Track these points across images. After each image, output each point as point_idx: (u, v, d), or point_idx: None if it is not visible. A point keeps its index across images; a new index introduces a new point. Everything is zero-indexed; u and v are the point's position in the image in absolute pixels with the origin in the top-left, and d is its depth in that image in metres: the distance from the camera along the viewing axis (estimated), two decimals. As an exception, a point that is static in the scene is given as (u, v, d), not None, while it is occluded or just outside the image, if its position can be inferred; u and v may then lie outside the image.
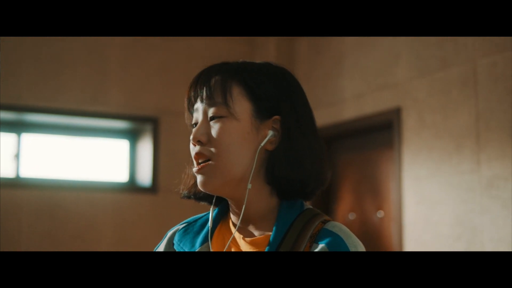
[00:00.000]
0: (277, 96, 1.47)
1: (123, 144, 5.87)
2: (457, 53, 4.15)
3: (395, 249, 4.58)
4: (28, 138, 5.47)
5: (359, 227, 5.03)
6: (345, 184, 5.37)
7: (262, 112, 1.46)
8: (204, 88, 1.46)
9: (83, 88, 5.40)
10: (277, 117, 1.46)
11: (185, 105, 1.52)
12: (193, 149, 1.46)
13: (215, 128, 1.43)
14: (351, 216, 5.17)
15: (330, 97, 5.34)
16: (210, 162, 1.43)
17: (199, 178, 1.45)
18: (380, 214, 4.94)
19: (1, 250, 4.99)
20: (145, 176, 5.67)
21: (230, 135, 1.43)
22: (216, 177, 1.43)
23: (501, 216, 3.78)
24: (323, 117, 5.36)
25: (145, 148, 5.72)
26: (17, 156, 5.35)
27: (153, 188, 5.56)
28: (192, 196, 1.56)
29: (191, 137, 1.45)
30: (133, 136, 5.88)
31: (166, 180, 5.55)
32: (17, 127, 5.42)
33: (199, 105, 1.47)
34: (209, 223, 1.52)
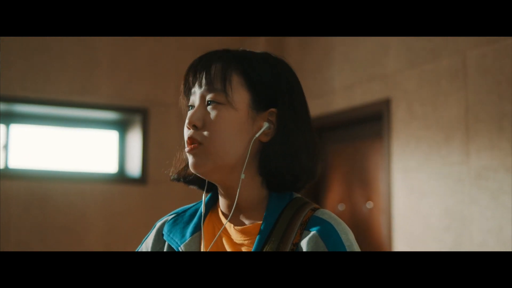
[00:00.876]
0: (275, 88, 1.48)
1: (113, 135, 5.86)
2: (446, 44, 4.16)
3: (384, 239, 4.59)
4: (18, 129, 5.46)
5: (349, 218, 5.04)
6: (335, 175, 5.38)
7: (260, 103, 1.46)
8: (204, 73, 1.46)
9: (72, 78, 5.38)
10: (273, 109, 1.47)
11: (181, 88, 1.52)
12: (187, 132, 1.46)
13: (211, 114, 1.43)
14: (341, 207, 5.18)
15: (320, 88, 5.35)
16: (200, 145, 1.43)
17: (190, 159, 1.45)
18: (370, 205, 4.95)
19: (-10, 241, 4.99)
20: (134, 167, 5.66)
21: (225, 122, 1.43)
22: (207, 160, 1.43)
23: (490, 207, 3.80)
24: (312, 108, 5.34)
25: (135, 139, 5.71)
26: (6, 147, 5.33)
27: (143, 179, 5.56)
28: (182, 179, 1.55)
29: (187, 120, 1.45)
30: (122, 127, 5.87)
31: (156, 171, 5.55)
32: (6, 118, 5.40)
33: (196, 89, 1.47)
34: (202, 208, 1.53)
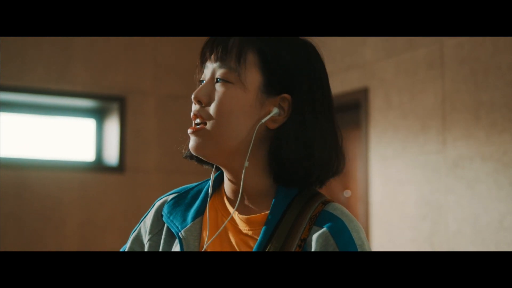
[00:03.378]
0: (294, 73, 1.39)
1: (90, 123, 5.82)
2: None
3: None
4: (-7, 116, 5.41)
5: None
6: (312, 164, 5.39)
7: (272, 87, 1.38)
8: (221, 48, 1.38)
9: (48, 66, 5.34)
10: (286, 95, 1.38)
11: (198, 59, 1.44)
12: (193, 108, 1.40)
13: (218, 91, 1.37)
14: (318, 196, 5.19)
15: (298, 77, 5.35)
16: (205, 126, 1.36)
17: (191, 140, 1.38)
18: (347, 193, 4.97)
19: (-34, 230, 4.95)
20: (111, 156, 5.64)
21: (232, 103, 1.36)
22: (208, 143, 1.36)
23: (465, 196, 3.83)
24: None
25: (112, 127, 5.68)
26: (-19, 135, 5.28)
27: (120, 168, 5.54)
28: (194, 158, 1.46)
29: (193, 95, 1.39)
30: (99, 115, 5.84)
31: (133, 160, 5.53)
32: (-18, 106, 5.36)
33: (209, 63, 1.40)
34: (209, 190, 1.46)
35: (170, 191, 1.55)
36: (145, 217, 1.52)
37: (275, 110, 1.37)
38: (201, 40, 1.48)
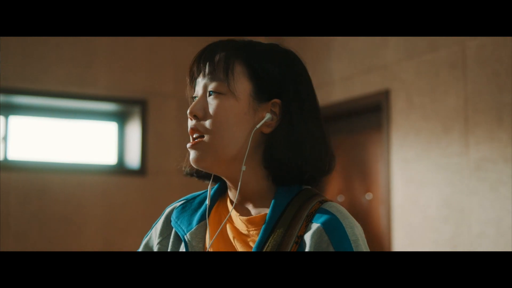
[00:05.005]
0: (280, 79, 1.45)
1: (112, 127, 5.85)
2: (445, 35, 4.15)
3: (384, 231, 4.60)
4: (16, 120, 5.45)
5: (348, 209, 4.98)
6: (334, 166, 5.37)
7: (262, 93, 1.44)
8: (208, 63, 1.45)
9: (70, 70, 5.37)
10: (277, 100, 1.45)
11: (187, 78, 1.51)
12: (190, 123, 1.45)
13: (212, 104, 1.43)
14: (340, 199, 5.18)
15: (319, 79, 5.34)
16: (203, 138, 1.42)
17: (191, 154, 1.45)
18: (369, 196, 4.95)
19: (-11, 233, 4.99)
20: (133, 159, 5.66)
21: (226, 113, 1.42)
22: (208, 154, 1.42)
23: (488, 198, 3.80)
24: (311, 99, 5.36)
25: (134, 130, 5.70)
26: (5, 138, 5.32)
27: (142, 171, 5.56)
28: (194, 174, 1.54)
29: (188, 111, 1.45)
30: (121, 118, 5.87)
31: (155, 162, 5.54)
32: (5, 110, 5.40)
33: (200, 79, 1.46)
34: (207, 201, 1.52)
35: (190, 193, 1.62)
36: (156, 223, 1.61)
37: (267, 116, 1.44)
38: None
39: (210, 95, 1.44)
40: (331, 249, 1.33)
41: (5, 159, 5.29)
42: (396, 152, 4.52)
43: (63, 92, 5.35)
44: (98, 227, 5.37)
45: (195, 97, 1.47)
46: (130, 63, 5.60)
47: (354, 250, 1.34)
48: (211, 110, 1.42)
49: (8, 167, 5.20)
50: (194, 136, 1.44)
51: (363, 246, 1.37)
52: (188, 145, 1.45)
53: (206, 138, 1.42)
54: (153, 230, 1.60)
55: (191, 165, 1.51)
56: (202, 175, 1.54)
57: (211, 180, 1.53)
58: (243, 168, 1.43)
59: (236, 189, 1.46)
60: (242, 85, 1.43)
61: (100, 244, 5.32)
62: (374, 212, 4.86)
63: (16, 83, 5.18)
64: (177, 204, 1.59)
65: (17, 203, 5.12)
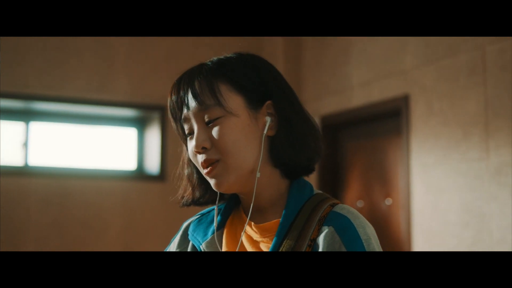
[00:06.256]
0: (262, 82, 1.47)
1: (131, 132, 5.87)
2: (465, 39, 4.13)
3: (404, 236, 4.58)
4: (36, 126, 5.49)
5: (368, 214, 5.02)
6: (353, 172, 5.37)
7: (254, 101, 1.46)
8: (190, 93, 1.45)
9: (90, 76, 5.40)
10: (269, 102, 1.46)
11: (170, 116, 1.51)
12: (199, 157, 1.45)
13: (215, 130, 1.43)
14: (359, 204, 5.16)
15: (338, 84, 5.33)
16: (219, 163, 1.43)
17: (212, 180, 1.45)
18: (388, 201, 4.93)
19: (10, 239, 5.02)
20: (153, 164, 5.68)
21: (233, 132, 1.42)
22: (229, 174, 1.43)
23: (509, 203, 3.78)
24: (330, 104, 5.35)
25: (153, 136, 5.73)
26: (25, 144, 5.36)
27: (161, 176, 5.57)
28: (192, 204, 1.57)
29: (193, 146, 1.45)
30: (141, 124, 5.89)
31: (174, 168, 5.55)
32: (25, 116, 5.43)
33: (188, 113, 1.46)
34: (214, 222, 1.53)
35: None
36: (174, 238, 1.63)
37: (268, 119, 1.46)
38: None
39: (208, 123, 1.44)
40: (343, 249, 1.34)
41: (26, 165, 5.32)
42: (415, 157, 4.50)
43: (83, 99, 5.38)
44: (117, 233, 5.39)
45: (190, 133, 1.48)
46: (150, 69, 5.62)
47: (366, 249, 1.35)
48: (217, 136, 1.42)
49: (29, 173, 5.23)
50: (211, 167, 1.44)
51: (375, 245, 1.38)
52: (205, 171, 1.45)
53: (221, 161, 1.43)
54: (172, 244, 1.62)
55: (187, 195, 1.56)
56: (200, 203, 1.56)
57: (217, 199, 1.54)
58: (258, 174, 1.44)
59: (249, 199, 1.47)
60: (235, 101, 1.44)
61: (120, 249, 5.34)
62: (393, 217, 4.84)
63: (37, 89, 5.22)
64: (193, 218, 1.62)
65: (38, 209, 5.15)
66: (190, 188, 1.57)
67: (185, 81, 1.48)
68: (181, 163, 1.63)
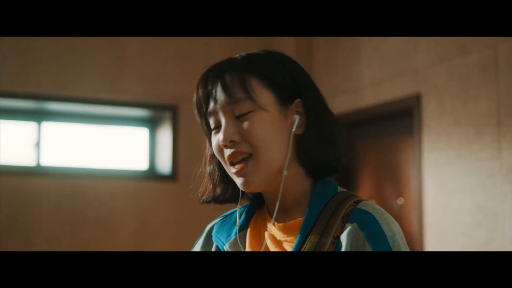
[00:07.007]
0: (292, 79, 1.45)
1: (143, 132, 5.88)
2: (476, 38, 4.11)
3: (416, 235, 4.56)
4: (48, 126, 5.50)
5: (379, 214, 5.00)
6: (365, 171, 5.36)
7: (284, 98, 1.44)
8: (219, 87, 1.42)
9: (101, 76, 5.42)
10: (299, 100, 1.45)
11: (195, 110, 1.48)
12: (226, 151, 1.42)
13: (246, 124, 1.40)
14: (371, 203, 5.15)
15: (349, 84, 5.33)
16: (250, 159, 1.40)
17: (240, 179, 1.42)
18: (400, 201, 4.92)
19: (22, 239, 5.04)
20: (164, 164, 5.68)
21: (264, 127, 1.40)
22: (259, 173, 1.41)
23: (522, 202, 3.76)
24: (342, 104, 5.34)
25: (165, 136, 5.73)
26: (37, 144, 5.38)
27: (173, 176, 5.58)
28: (212, 201, 1.54)
29: (221, 139, 1.41)
30: (152, 124, 5.90)
31: (186, 168, 5.56)
32: (37, 116, 5.45)
33: (216, 107, 1.43)
34: (237, 222, 1.52)
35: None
36: (197, 242, 1.61)
37: (297, 117, 1.44)
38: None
39: (238, 117, 1.41)
40: (367, 245, 1.33)
41: (38, 165, 5.34)
42: (427, 157, 4.49)
43: (94, 99, 5.39)
44: (129, 232, 5.40)
45: (218, 126, 1.44)
46: (161, 69, 5.63)
47: (391, 245, 1.34)
48: (247, 130, 1.40)
49: (41, 173, 5.25)
50: (239, 159, 1.41)
51: (400, 241, 1.36)
52: (233, 170, 1.42)
53: (253, 157, 1.40)
54: (195, 246, 1.60)
55: (208, 192, 1.53)
56: (221, 200, 1.54)
57: (240, 198, 1.53)
58: (285, 172, 1.43)
59: (274, 199, 1.45)
60: (265, 96, 1.42)
61: (132, 249, 5.35)
62: (405, 217, 4.83)
63: (48, 89, 5.23)
64: (216, 220, 1.60)
65: (50, 209, 5.16)
66: (211, 186, 1.54)
67: (213, 75, 1.44)
68: (203, 160, 1.58)
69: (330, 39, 5.61)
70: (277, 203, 1.44)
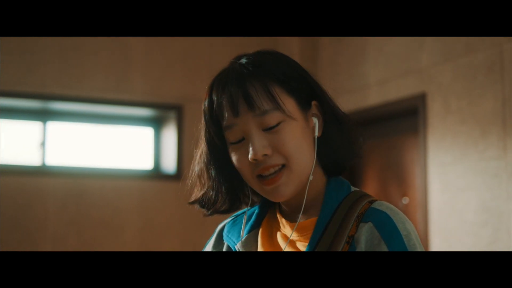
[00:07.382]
0: (304, 81, 1.42)
1: (148, 132, 5.89)
2: (482, 38, 4.11)
3: (421, 235, 4.56)
4: (54, 126, 5.51)
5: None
6: (370, 171, 5.35)
7: (304, 102, 1.41)
8: (241, 97, 1.35)
9: (106, 76, 5.42)
10: (315, 102, 1.43)
11: (205, 118, 1.45)
12: (256, 165, 1.37)
13: (277, 136, 1.36)
14: (376, 203, 5.15)
15: (354, 83, 5.32)
16: (283, 170, 1.37)
17: (274, 190, 1.38)
18: (405, 200, 4.92)
19: (28, 238, 5.05)
20: (169, 163, 5.69)
21: (295, 137, 1.37)
22: (293, 183, 1.38)
23: (527, 202, 3.75)
24: (347, 103, 5.34)
25: (170, 135, 5.74)
26: (43, 144, 5.38)
27: (178, 175, 5.58)
28: (216, 213, 1.53)
29: (252, 154, 1.35)
30: (157, 124, 5.90)
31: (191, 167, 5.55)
32: (43, 116, 5.46)
33: (237, 120, 1.37)
34: (242, 227, 1.51)
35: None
36: (209, 241, 1.60)
37: (315, 120, 1.42)
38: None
39: (268, 129, 1.36)
40: (383, 244, 1.31)
41: (43, 165, 5.35)
42: (433, 156, 4.48)
43: (100, 98, 5.39)
44: (134, 232, 5.40)
45: (240, 140, 1.39)
46: (166, 68, 5.63)
47: (407, 245, 1.31)
48: (280, 142, 1.36)
49: (46, 172, 5.26)
50: (272, 172, 1.37)
51: (415, 241, 1.34)
52: (263, 182, 1.38)
53: (287, 166, 1.37)
54: (207, 246, 1.59)
55: (213, 205, 1.50)
56: (223, 211, 1.52)
57: (249, 204, 1.52)
58: (311, 177, 1.41)
59: (292, 200, 1.43)
60: (290, 104, 1.38)
61: (137, 249, 5.36)
62: (411, 216, 4.82)
63: (54, 89, 5.24)
64: (227, 220, 1.59)
65: (55, 208, 5.17)
66: (212, 197, 1.51)
67: (231, 84, 1.37)
68: (199, 170, 1.60)
69: (335, 39, 5.60)
70: (302, 208, 1.41)
